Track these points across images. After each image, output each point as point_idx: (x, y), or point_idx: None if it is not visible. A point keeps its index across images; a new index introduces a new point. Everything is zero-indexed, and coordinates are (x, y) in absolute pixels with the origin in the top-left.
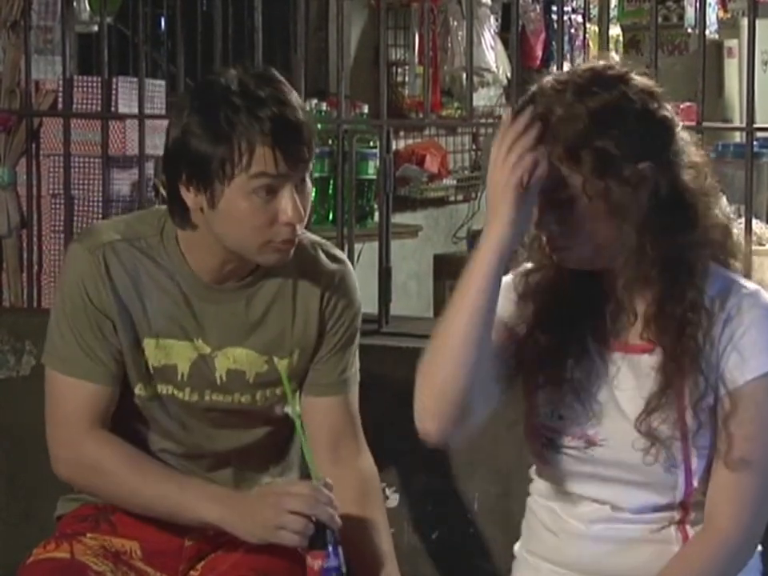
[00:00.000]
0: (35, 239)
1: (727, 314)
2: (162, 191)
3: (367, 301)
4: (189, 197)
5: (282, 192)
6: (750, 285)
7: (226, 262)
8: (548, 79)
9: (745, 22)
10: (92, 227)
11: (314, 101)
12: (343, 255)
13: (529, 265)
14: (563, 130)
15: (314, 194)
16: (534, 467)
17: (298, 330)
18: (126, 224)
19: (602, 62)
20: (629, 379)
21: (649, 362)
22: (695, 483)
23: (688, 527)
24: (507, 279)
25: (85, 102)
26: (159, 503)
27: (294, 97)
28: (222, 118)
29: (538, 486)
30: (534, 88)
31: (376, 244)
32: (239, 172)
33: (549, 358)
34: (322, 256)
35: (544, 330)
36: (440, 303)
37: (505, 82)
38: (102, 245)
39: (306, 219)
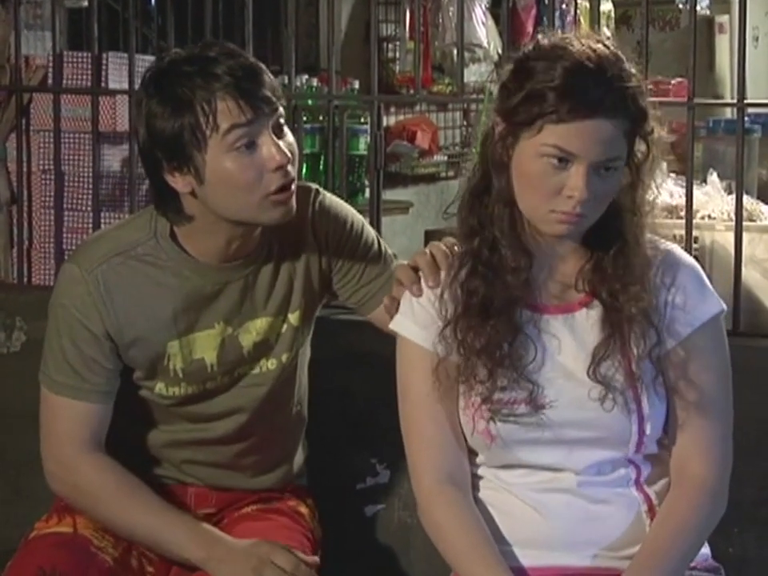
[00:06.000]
0: (25, 215)
1: (661, 269)
2: None
3: None
4: (177, 182)
5: (260, 141)
6: (670, 243)
7: (232, 239)
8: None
9: None
10: (85, 244)
11: (305, 76)
12: (309, 183)
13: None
14: (633, 101)
15: (305, 171)
16: (478, 456)
17: (301, 281)
18: (119, 234)
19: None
20: (567, 338)
21: (586, 316)
22: (648, 430)
23: (645, 487)
24: (423, 305)
25: (75, 77)
26: (146, 536)
27: (244, 52)
28: (177, 89)
29: (488, 477)
30: (546, 47)
31: (367, 220)
32: (211, 134)
33: (483, 341)
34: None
35: (474, 315)
36: None
37: (496, 57)
38: (97, 264)
39: (296, 165)
